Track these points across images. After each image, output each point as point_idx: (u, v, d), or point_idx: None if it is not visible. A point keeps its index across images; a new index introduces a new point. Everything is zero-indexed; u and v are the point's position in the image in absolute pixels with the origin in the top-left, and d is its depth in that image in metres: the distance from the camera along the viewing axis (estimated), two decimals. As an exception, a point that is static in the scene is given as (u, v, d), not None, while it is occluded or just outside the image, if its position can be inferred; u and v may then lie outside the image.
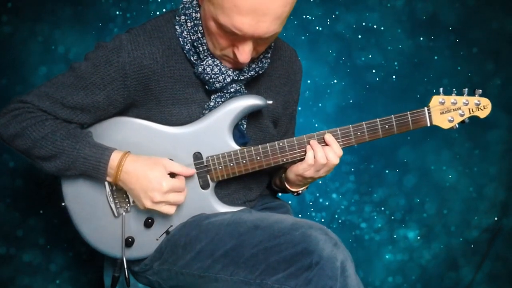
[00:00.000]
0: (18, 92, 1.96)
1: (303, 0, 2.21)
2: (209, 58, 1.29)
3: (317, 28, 2.25)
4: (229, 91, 1.32)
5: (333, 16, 2.25)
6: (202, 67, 1.28)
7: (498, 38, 2.34)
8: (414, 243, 2.44)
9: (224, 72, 1.29)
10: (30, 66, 1.99)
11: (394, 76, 2.32)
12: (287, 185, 1.46)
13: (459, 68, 2.34)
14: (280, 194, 1.66)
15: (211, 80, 1.29)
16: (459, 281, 2.46)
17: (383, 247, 2.42)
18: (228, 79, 1.30)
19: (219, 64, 1.28)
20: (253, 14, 1.12)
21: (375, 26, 2.28)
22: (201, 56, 1.29)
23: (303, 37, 2.24)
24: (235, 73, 1.30)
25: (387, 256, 2.43)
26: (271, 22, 1.15)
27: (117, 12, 2.06)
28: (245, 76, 1.33)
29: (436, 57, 2.33)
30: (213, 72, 1.28)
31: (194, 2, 1.28)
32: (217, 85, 1.30)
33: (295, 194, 1.49)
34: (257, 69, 1.34)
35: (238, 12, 1.12)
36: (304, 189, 1.48)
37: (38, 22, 1.98)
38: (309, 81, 2.25)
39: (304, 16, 2.24)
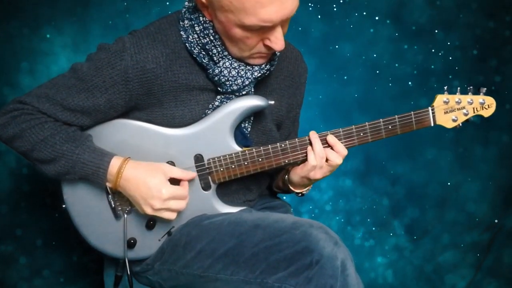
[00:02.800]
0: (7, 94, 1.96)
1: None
2: (226, 60, 1.27)
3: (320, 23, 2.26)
4: (241, 93, 1.32)
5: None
6: (219, 69, 1.27)
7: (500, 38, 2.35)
8: (413, 245, 2.43)
9: (243, 75, 1.28)
10: (18, 65, 1.98)
11: (395, 77, 2.33)
12: (291, 187, 1.45)
13: (459, 68, 2.34)
14: (284, 197, 1.66)
15: (227, 83, 1.29)
16: (459, 281, 2.45)
17: (381, 250, 2.42)
18: (247, 82, 1.29)
19: (237, 67, 1.27)
20: (275, 0, 1.11)
21: (376, 18, 2.28)
22: (215, 59, 1.27)
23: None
24: (253, 75, 1.30)
25: (386, 259, 2.42)
26: None
27: (120, 9, 2.06)
28: (262, 72, 1.31)
29: (439, 56, 2.33)
30: (230, 74, 1.27)
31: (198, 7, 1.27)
32: (234, 87, 1.29)
33: (299, 195, 1.48)
34: (271, 62, 1.33)
35: (262, 5, 1.11)
36: (308, 189, 1.47)
37: (27, 21, 1.97)
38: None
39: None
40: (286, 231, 1.17)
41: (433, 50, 2.32)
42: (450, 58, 2.33)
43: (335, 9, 2.26)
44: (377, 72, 2.31)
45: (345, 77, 2.30)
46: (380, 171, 2.39)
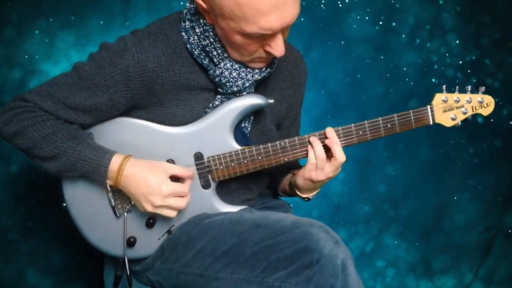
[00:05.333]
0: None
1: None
2: (227, 61, 1.27)
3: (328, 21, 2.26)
4: (241, 95, 1.32)
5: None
6: (220, 70, 1.27)
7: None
8: (413, 245, 2.43)
9: (244, 77, 1.28)
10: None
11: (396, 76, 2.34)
12: (297, 192, 1.44)
13: (463, 68, 2.34)
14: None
15: (228, 84, 1.29)
16: (459, 281, 2.46)
17: (379, 252, 2.43)
18: (247, 84, 1.30)
19: (237, 69, 1.27)
20: (276, 9, 1.11)
21: (380, 21, 2.28)
22: (215, 60, 1.28)
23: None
24: (254, 77, 1.30)
25: (385, 261, 2.44)
26: (293, 6, 1.14)
27: (122, 8, 2.06)
28: (262, 75, 1.32)
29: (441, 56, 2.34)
30: (231, 76, 1.28)
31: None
32: (235, 88, 1.29)
33: (306, 199, 1.47)
34: (271, 66, 1.34)
35: (262, 14, 1.11)
36: (315, 194, 1.45)
37: (28, 21, 1.96)
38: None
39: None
40: (286, 230, 1.17)
41: (441, 53, 2.33)
42: (455, 62, 2.34)
43: (340, 5, 2.26)
44: (379, 71, 2.31)
45: (347, 76, 2.30)
46: (378, 172, 2.39)
